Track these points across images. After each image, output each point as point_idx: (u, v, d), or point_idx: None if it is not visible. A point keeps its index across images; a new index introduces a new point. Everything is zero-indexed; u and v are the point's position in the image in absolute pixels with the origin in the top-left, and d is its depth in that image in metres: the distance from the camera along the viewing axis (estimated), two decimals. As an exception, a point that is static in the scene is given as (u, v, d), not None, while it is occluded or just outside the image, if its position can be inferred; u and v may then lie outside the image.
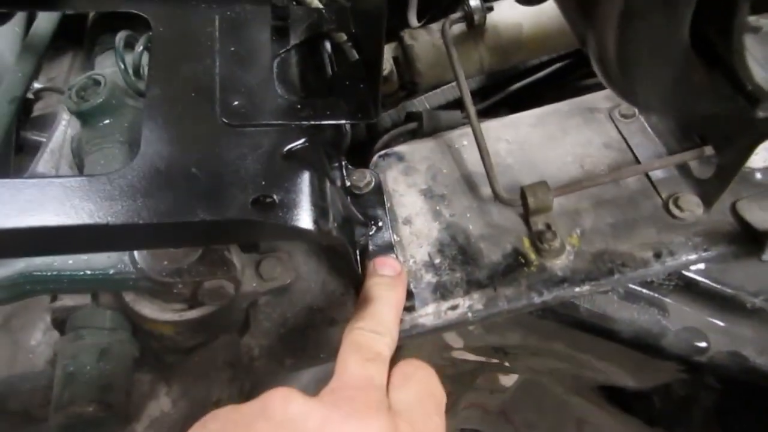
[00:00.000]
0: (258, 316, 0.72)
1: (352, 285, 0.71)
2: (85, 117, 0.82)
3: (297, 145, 0.64)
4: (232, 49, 0.71)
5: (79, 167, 0.90)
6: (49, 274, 0.61)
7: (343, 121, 0.67)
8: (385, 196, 0.77)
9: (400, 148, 0.82)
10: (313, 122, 0.66)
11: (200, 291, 0.64)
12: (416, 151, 0.81)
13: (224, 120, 0.64)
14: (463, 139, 0.81)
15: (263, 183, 0.59)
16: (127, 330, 0.69)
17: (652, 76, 0.38)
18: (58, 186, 0.55)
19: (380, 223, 0.75)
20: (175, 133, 0.62)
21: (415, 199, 0.77)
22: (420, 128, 0.86)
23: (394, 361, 0.57)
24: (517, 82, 1.04)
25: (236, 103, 0.65)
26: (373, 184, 0.78)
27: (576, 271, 0.68)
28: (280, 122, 0.64)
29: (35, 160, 1.00)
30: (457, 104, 1.07)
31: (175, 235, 0.58)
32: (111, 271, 0.62)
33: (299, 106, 0.66)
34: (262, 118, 0.65)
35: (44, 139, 1.05)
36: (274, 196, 0.58)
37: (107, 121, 0.82)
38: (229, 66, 0.69)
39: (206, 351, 0.70)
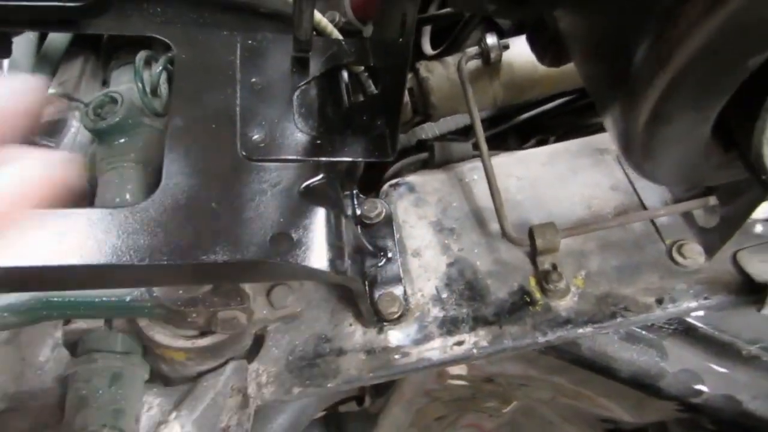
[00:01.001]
0: (267, 342, 0.73)
1: (361, 316, 0.73)
2: (101, 135, 0.83)
3: (314, 182, 0.65)
4: (254, 79, 0.72)
5: (90, 182, 0.91)
6: (65, 300, 0.62)
7: (359, 159, 0.69)
8: (395, 227, 0.79)
9: (411, 179, 0.84)
10: (331, 159, 0.67)
11: (214, 320, 0.65)
12: (427, 182, 0.83)
13: (244, 154, 0.65)
14: (473, 173, 0.82)
15: (281, 220, 0.61)
16: (138, 353, 0.70)
17: (672, 162, 0.39)
18: (82, 220, 0.56)
19: (390, 254, 0.76)
20: (196, 166, 0.63)
21: (425, 231, 0.78)
22: (431, 159, 0.87)
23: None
24: (525, 113, 1.06)
25: (256, 136, 0.67)
26: (383, 214, 0.79)
27: (580, 313, 0.70)
28: (298, 158, 0.66)
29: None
30: (467, 132, 1.09)
31: (194, 273, 0.59)
32: (127, 299, 0.63)
33: (318, 142, 0.68)
34: (282, 153, 0.66)
35: (53, 145, 1.05)
36: (292, 235, 0.59)
37: (123, 140, 0.83)
38: (250, 97, 0.70)
39: (215, 376, 0.71)
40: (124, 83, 0.91)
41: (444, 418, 1.03)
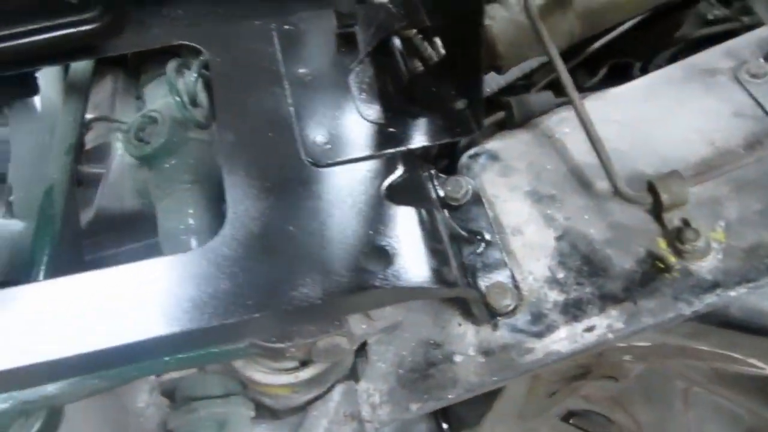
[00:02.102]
0: (371, 357, 0.66)
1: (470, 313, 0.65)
2: (148, 160, 0.77)
3: (396, 179, 0.56)
4: (300, 70, 0.63)
5: (145, 209, 0.85)
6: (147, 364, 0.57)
7: (441, 141, 0.59)
8: (486, 205, 0.69)
9: (491, 145, 0.73)
10: (408, 147, 0.58)
11: (314, 350, 0.58)
12: (511, 146, 0.73)
13: (310, 160, 0.56)
14: (563, 125, 0.72)
15: (370, 232, 0.52)
16: (238, 392, 0.65)
17: None
18: (156, 273, 0.49)
19: (487, 237, 0.67)
20: (261, 186, 0.55)
21: (520, 204, 0.69)
22: (510, 117, 0.76)
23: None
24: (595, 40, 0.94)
25: (319, 137, 0.58)
26: (470, 192, 0.70)
27: (729, 273, 0.59)
28: (372, 154, 0.57)
29: (98, 194, 0.96)
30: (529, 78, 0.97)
31: (284, 320, 0.52)
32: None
33: (390, 130, 0.59)
34: (352, 152, 0.57)
35: (102, 171, 1.00)
36: (387, 248, 0.51)
37: (173, 162, 0.76)
38: (301, 92, 0.62)
39: (324, 403, 0.65)
40: (160, 98, 0.84)
41: (555, 393, 0.95)
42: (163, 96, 0.83)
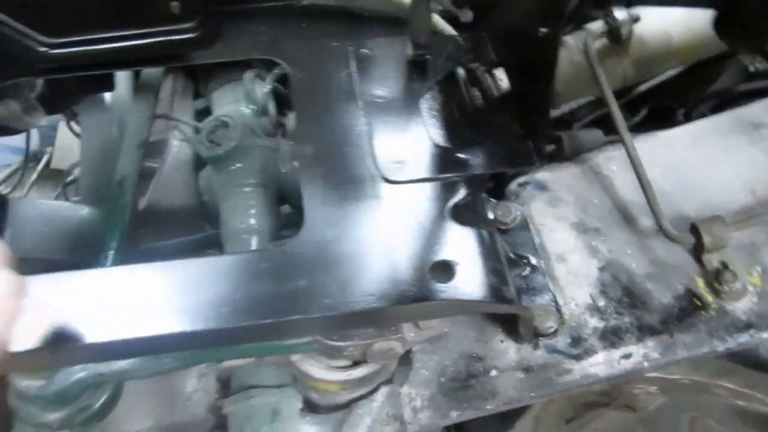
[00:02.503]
0: (415, 364, 0.70)
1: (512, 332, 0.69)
2: (217, 161, 0.82)
3: (460, 200, 0.61)
4: (375, 91, 0.68)
5: (209, 205, 0.90)
6: (221, 349, 0.61)
7: (503, 169, 0.64)
8: (532, 231, 0.74)
9: (541, 176, 0.78)
10: (472, 173, 0.62)
11: (369, 352, 0.63)
12: (560, 178, 0.77)
13: (383, 177, 0.61)
14: (611, 164, 0.76)
15: (436, 247, 0.57)
16: (289, 384, 0.69)
17: None
18: (239, 264, 0.54)
19: (533, 262, 0.72)
20: (337, 197, 0.60)
21: (566, 234, 0.73)
22: (560, 151, 0.81)
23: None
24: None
25: (393, 156, 0.63)
26: (519, 218, 0.74)
27: (762, 315, 0.63)
28: (441, 177, 0.62)
29: (151, 187, 1.01)
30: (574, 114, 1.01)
31: (347, 322, 0.56)
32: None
33: (457, 156, 0.63)
34: (422, 172, 0.62)
35: (156, 165, 1.05)
36: (452, 263, 0.56)
37: (239, 165, 0.81)
38: (376, 112, 0.66)
39: (368, 403, 0.69)
40: (228, 104, 0.89)
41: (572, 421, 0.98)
42: (232, 102, 0.89)
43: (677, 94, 1.02)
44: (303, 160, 0.62)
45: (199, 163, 1.09)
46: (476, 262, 0.56)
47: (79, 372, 0.62)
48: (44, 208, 0.89)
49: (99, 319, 0.51)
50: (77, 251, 0.87)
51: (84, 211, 0.90)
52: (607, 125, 0.91)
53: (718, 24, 0.58)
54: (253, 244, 0.77)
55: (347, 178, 0.61)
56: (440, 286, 0.54)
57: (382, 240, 0.57)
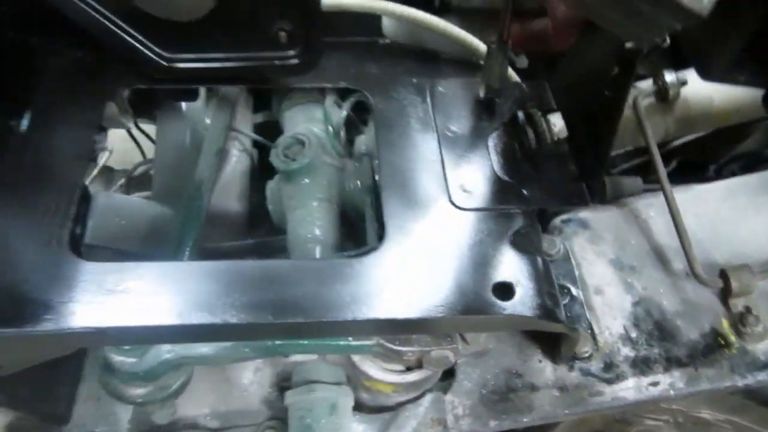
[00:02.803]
0: (459, 375, 0.78)
1: (550, 352, 0.76)
2: (289, 175, 0.90)
3: (519, 229, 0.69)
4: (449, 125, 0.76)
5: (275, 213, 0.97)
6: (300, 342, 0.69)
7: (559, 207, 0.72)
8: (573, 264, 0.81)
9: (584, 215, 0.85)
10: (534, 207, 0.70)
11: (426, 358, 0.70)
12: (601, 218, 0.85)
13: (454, 203, 0.69)
14: (649, 209, 0.84)
15: (498, 269, 0.64)
16: (345, 383, 0.76)
17: None
18: (315, 271, 0.61)
19: (573, 292, 0.79)
20: (414, 217, 0.67)
21: (604, 269, 0.81)
22: (602, 194, 0.89)
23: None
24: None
25: (463, 186, 0.71)
26: (562, 251, 0.82)
27: (780, 357, 0.70)
28: (504, 208, 0.69)
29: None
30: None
31: (416, 326, 0.64)
32: (352, 340, 0.69)
33: (520, 190, 0.71)
34: (488, 202, 0.70)
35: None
36: (512, 284, 0.63)
37: (307, 180, 0.89)
38: (449, 144, 0.75)
39: (415, 407, 0.76)
40: (301, 123, 0.97)
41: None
42: (305, 122, 0.97)
43: (707, 150, 1.11)
44: (384, 180, 0.70)
45: (257, 173, 1.18)
46: (533, 285, 0.63)
47: (167, 353, 0.69)
48: (122, 203, 0.96)
49: (181, 305, 0.58)
50: (149, 244, 0.95)
51: (157, 208, 0.98)
52: (643, 173, 1.00)
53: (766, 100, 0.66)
54: (317, 253, 0.84)
55: (422, 200, 0.69)
56: (502, 304, 0.62)
57: (451, 259, 0.65)
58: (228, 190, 1.14)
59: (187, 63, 0.73)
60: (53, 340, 0.58)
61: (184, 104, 1.08)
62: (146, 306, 0.58)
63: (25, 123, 0.72)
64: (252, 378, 0.86)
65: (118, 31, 0.68)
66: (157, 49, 0.72)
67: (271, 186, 0.99)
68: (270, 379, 0.84)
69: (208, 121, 1.18)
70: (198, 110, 1.09)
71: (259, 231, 1.32)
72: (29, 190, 0.65)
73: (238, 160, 1.17)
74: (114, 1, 0.65)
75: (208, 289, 0.60)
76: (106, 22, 0.67)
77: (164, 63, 0.72)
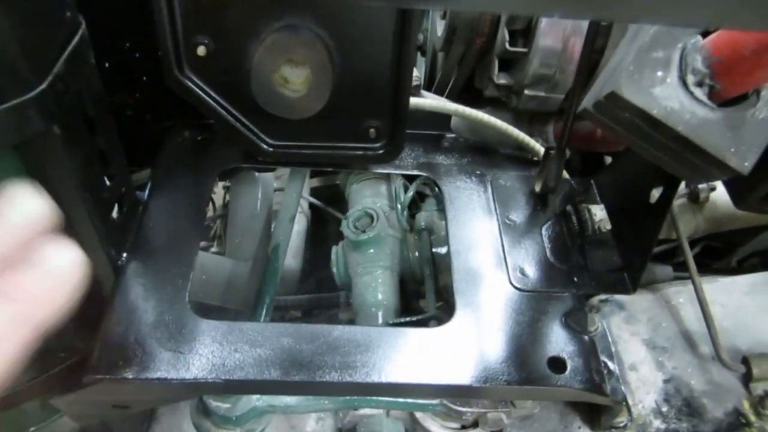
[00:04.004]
0: (505, 437, 0.87)
1: (589, 421, 0.85)
2: (358, 245, 1.01)
3: (570, 310, 0.79)
4: (508, 214, 0.88)
5: (338, 276, 1.08)
6: (374, 398, 0.78)
7: (603, 293, 0.82)
8: (610, 341, 0.91)
9: (620, 297, 0.96)
10: (582, 292, 0.81)
11: (482, 419, 0.79)
12: (636, 301, 0.95)
13: (514, 284, 0.80)
14: (679, 296, 0.94)
15: (553, 345, 0.75)
16: (404, 437, 0.86)
17: None
18: (390, 337, 0.72)
19: (610, 366, 0.89)
20: (479, 296, 0.78)
21: (638, 347, 0.90)
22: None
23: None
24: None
25: (521, 269, 0.82)
26: (600, 329, 0.92)
27: (796, 439, 0.79)
28: (558, 291, 0.80)
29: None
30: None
31: (480, 393, 0.74)
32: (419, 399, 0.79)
33: (571, 276, 0.82)
34: (543, 285, 0.80)
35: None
36: (566, 359, 0.73)
37: (373, 250, 1.01)
38: (509, 231, 0.86)
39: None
40: (368, 197, 1.09)
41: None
42: (372, 196, 1.09)
43: (729, 240, 1.22)
44: (455, 257, 0.81)
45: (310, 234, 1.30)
46: (583, 360, 0.73)
47: (256, 401, 0.79)
48: (204, 259, 1.08)
49: (287, 363, 0.68)
50: (226, 298, 1.06)
51: (232, 264, 1.09)
52: (670, 257, 1.11)
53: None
54: (380, 316, 0.95)
55: (486, 280, 0.80)
56: (556, 376, 0.72)
57: (511, 334, 0.75)
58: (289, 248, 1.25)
59: (287, 149, 0.85)
60: (179, 388, 0.68)
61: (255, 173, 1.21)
62: (254, 361, 0.69)
63: (146, 193, 0.84)
64: (314, 427, 0.95)
65: (236, 123, 0.80)
66: (264, 137, 0.84)
67: (336, 251, 1.10)
68: (331, 429, 0.93)
69: (275, 185, 1.30)
70: (268, 176, 1.21)
71: (307, 283, 1.43)
72: (158, 253, 0.76)
73: (297, 221, 1.29)
74: (241, 101, 0.78)
75: (306, 349, 0.70)
76: (229, 117, 0.79)
77: (269, 148, 0.84)
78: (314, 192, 1.45)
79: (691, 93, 0.50)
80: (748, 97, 0.52)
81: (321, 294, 1.26)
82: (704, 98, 0.50)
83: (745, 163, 0.48)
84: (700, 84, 0.50)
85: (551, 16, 0.46)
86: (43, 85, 0.51)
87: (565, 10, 0.33)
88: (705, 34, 0.52)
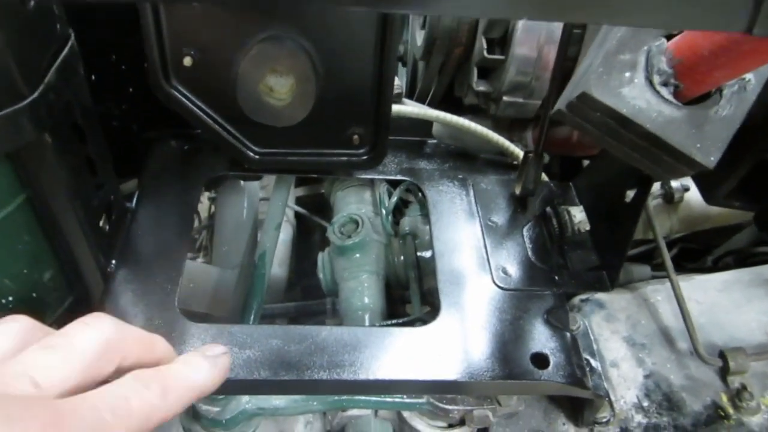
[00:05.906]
0: (491, 434, 0.88)
1: (572, 417, 0.87)
2: (343, 250, 1.03)
3: (552, 308, 0.81)
4: (491, 217, 0.90)
5: (325, 281, 1.10)
6: (362, 398, 0.80)
7: (584, 292, 0.85)
8: (592, 339, 0.94)
9: (600, 296, 0.98)
10: (562, 291, 0.83)
11: (468, 416, 0.81)
12: (615, 300, 0.98)
13: (497, 283, 0.82)
14: (657, 294, 0.97)
15: (535, 342, 0.77)
16: (391, 437, 0.87)
17: None
18: (378, 337, 0.74)
19: (592, 364, 0.91)
20: (464, 296, 0.80)
21: (618, 345, 0.93)
22: (616, 279, 1.02)
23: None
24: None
25: (504, 269, 0.84)
26: (582, 327, 0.94)
27: (771, 429, 0.82)
28: (539, 289, 0.82)
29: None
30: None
31: (466, 388, 0.75)
32: (405, 398, 0.80)
33: (551, 275, 0.84)
34: (525, 284, 0.83)
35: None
36: (548, 355, 0.75)
37: (359, 255, 1.02)
38: (491, 233, 0.88)
39: (453, 460, 0.87)
40: (353, 203, 1.11)
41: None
42: (356, 203, 1.11)
43: (705, 240, 1.25)
44: (439, 260, 0.83)
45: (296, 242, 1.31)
46: (565, 356, 0.76)
47: (246, 404, 0.80)
48: (191, 267, 1.09)
49: (276, 363, 0.70)
50: (214, 306, 1.07)
51: (218, 272, 1.10)
52: (648, 258, 1.14)
53: (758, 220, 0.80)
54: (366, 319, 0.97)
55: (470, 280, 0.82)
56: (539, 371, 0.74)
57: (495, 331, 0.77)
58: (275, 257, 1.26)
59: (272, 156, 0.87)
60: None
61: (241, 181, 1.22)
62: (244, 362, 0.70)
63: (134, 201, 0.85)
64: (303, 430, 0.96)
65: (223, 132, 0.82)
66: (250, 145, 0.86)
67: (322, 257, 1.12)
68: (321, 432, 0.95)
69: (261, 194, 1.32)
70: (254, 185, 1.23)
71: (293, 292, 1.45)
72: (147, 260, 0.78)
73: (283, 230, 1.30)
74: (227, 110, 0.79)
75: (295, 349, 0.72)
76: (215, 126, 0.81)
77: (255, 156, 0.86)
78: (299, 201, 1.47)
79: (658, 92, 0.53)
80: (711, 96, 0.55)
81: (307, 302, 1.27)
82: (670, 97, 0.53)
83: (710, 158, 0.51)
84: (665, 84, 0.53)
85: (520, 18, 0.49)
86: (35, 95, 0.53)
87: (533, 13, 0.35)
88: (669, 37, 0.55)
